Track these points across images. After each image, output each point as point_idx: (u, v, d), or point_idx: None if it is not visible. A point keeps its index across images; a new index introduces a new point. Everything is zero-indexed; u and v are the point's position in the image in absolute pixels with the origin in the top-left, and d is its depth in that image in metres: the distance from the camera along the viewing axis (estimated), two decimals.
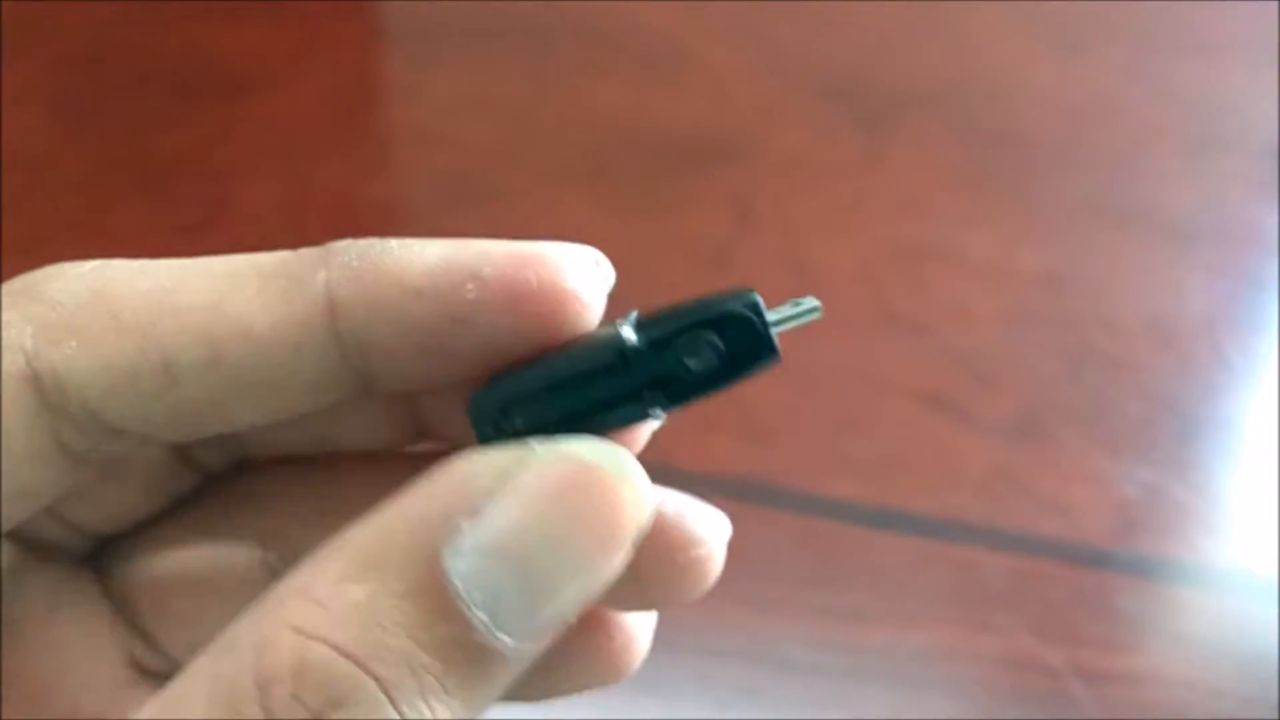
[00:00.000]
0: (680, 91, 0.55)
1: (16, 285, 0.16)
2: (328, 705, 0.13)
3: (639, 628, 0.19)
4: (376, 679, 0.13)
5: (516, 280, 0.16)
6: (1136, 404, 0.42)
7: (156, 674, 0.19)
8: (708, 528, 0.18)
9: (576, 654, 0.18)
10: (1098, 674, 0.35)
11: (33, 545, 0.18)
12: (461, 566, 0.14)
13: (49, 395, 0.16)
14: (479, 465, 0.14)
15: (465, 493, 0.14)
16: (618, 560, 0.15)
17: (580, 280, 0.16)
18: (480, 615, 0.14)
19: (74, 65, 0.54)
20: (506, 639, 0.14)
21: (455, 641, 0.14)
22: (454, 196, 0.49)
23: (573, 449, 0.15)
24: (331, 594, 0.14)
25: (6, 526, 0.17)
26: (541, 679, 0.18)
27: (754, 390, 0.43)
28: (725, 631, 0.35)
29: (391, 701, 0.13)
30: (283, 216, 0.48)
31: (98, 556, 0.19)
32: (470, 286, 0.16)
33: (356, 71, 0.56)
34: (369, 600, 0.14)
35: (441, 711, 0.14)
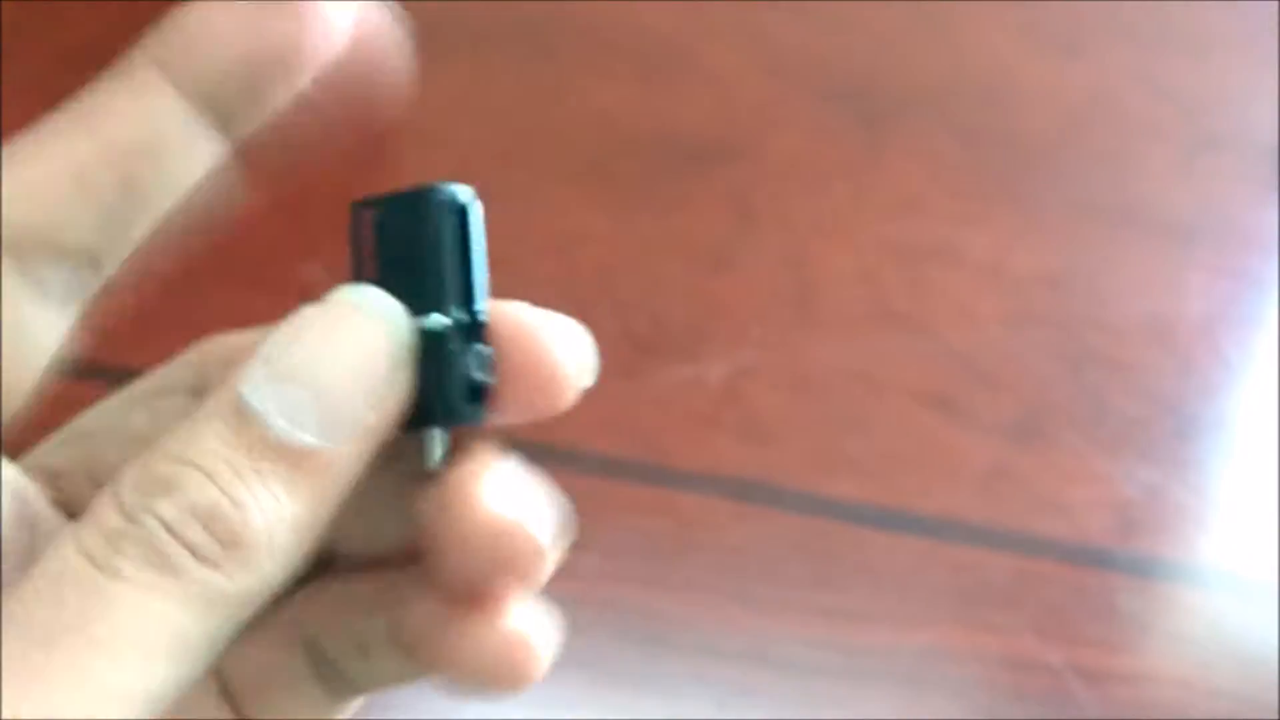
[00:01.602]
0: (680, 91, 0.55)
1: None
2: (162, 491, 0.17)
3: (529, 630, 0.20)
4: (198, 468, 0.17)
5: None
6: (1136, 404, 0.42)
7: None
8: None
9: (463, 639, 0.20)
10: (1098, 674, 0.35)
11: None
12: (255, 391, 0.18)
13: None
14: (270, 333, 0.18)
15: (257, 352, 0.18)
16: (384, 367, 0.18)
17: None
18: (278, 422, 0.17)
19: (74, 63, 0.54)
20: (308, 438, 0.17)
21: (261, 442, 0.17)
22: None
23: (333, 296, 0.19)
24: (159, 446, 0.18)
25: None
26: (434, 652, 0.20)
27: (754, 390, 0.43)
28: (725, 631, 0.35)
29: (215, 484, 0.17)
30: (282, 216, 0.48)
31: None
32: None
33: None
34: (189, 432, 0.18)
35: (264, 495, 0.17)
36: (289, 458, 0.17)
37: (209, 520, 0.17)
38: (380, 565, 0.22)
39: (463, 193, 0.19)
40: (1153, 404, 0.42)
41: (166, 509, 0.17)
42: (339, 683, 0.22)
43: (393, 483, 0.21)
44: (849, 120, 0.54)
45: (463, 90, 0.54)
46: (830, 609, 0.36)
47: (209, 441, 0.17)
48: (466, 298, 0.19)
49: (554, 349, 0.19)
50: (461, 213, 0.19)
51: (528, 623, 0.20)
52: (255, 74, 0.19)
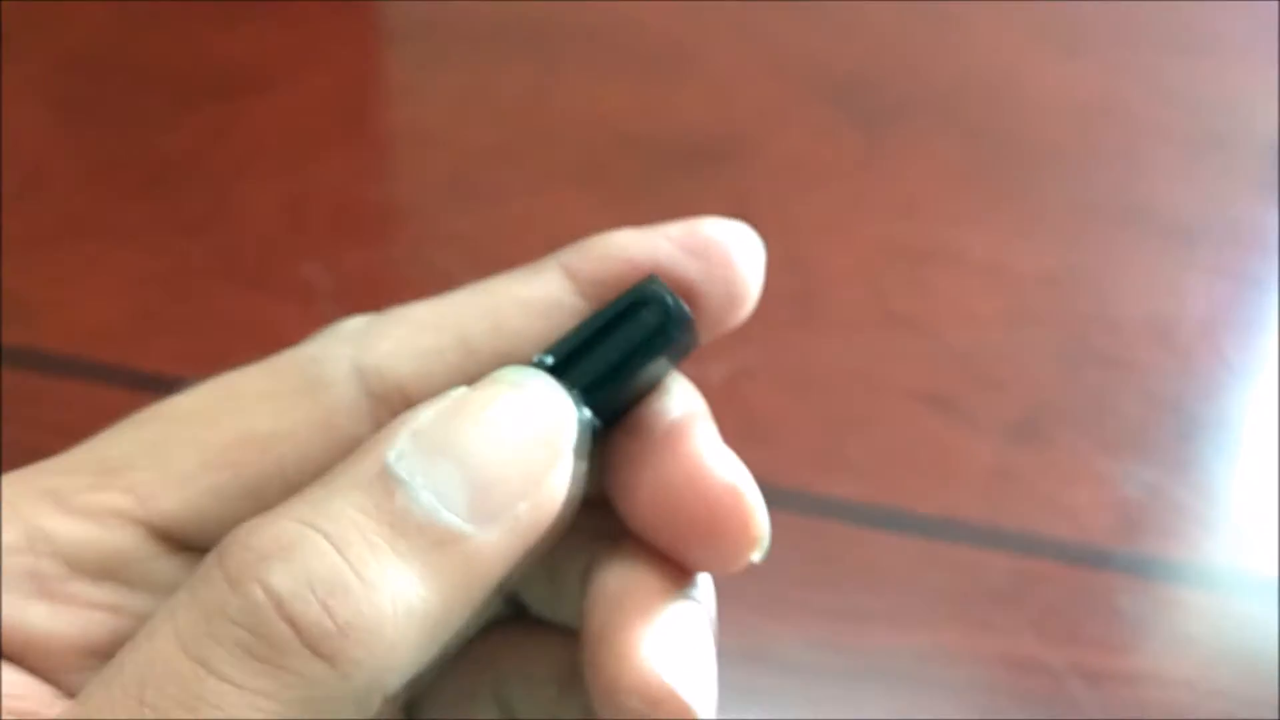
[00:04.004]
0: (680, 91, 0.55)
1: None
2: (279, 555, 0.15)
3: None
4: (325, 534, 0.15)
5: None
6: (1136, 404, 0.42)
7: None
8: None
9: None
10: (1098, 674, 0.35)
11: None
12: (402, 460, 0.16)
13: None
14: (419, 406, 0.17)
15: (409, 417, 0.16)
16: (543, 456, 0.16)
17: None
18: (424, 495, 0.15)
19: (74, 65, 0.54)
20: (454, 519, 0.15)
21: (403, 516, 0.15)
22: (454, 196, 0.49)
23: (498, 375, 0.17)
24: (282, 506, 0.16)
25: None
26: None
27: (754, 390, 0.43)
28: (725, 631, 0.35)
29: (339, 553, 0.15)
30: (283, 216, 0.48)
31: None
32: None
33: (356, 71, 0.56)
34: (324, 496, 0.15)
35: (393, 573, 0.15)
36: (432, 539, 0.15)
37: (328, 595, 0.14)
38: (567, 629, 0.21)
39: (675, 309, 0.19)
40: (1153, 404, 0.42)
41: (280, 577, 0.14)
42: None
43: (584, 558, 0.20)
44: (849, 120, 0.54)
45: (463, 90, 0.54)
46: (830, 609, 0.36)
47: (343, 507, 0.15)
48: (595, 385, 0.18)
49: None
50: (659, 322, 0.19)
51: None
52: None
